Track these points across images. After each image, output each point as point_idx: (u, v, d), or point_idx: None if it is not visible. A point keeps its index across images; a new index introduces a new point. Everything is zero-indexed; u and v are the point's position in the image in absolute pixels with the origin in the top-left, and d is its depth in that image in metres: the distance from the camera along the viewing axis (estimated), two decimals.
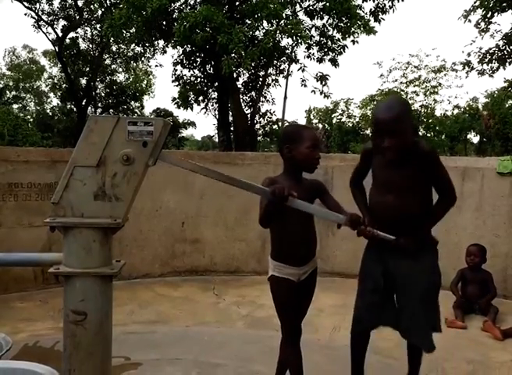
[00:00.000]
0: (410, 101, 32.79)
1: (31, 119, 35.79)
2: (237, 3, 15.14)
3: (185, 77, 17.70)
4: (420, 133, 33.58)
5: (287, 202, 2.19)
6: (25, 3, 23.46)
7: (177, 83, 17.77)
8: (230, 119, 17.56)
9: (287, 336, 2.90)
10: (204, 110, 18.46)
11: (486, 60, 18.59)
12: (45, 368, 2.41)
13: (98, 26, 24.39)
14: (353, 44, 15.99)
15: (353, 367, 2.92)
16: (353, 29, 15.42)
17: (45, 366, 2.45)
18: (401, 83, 32.41)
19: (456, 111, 34.80)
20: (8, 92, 37.26)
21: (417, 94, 32.42)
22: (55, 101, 37.97)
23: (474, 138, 38.72)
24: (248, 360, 3.63)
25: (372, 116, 2.56)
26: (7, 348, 2.73)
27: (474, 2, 17.54)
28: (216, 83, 17.08)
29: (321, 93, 17.01)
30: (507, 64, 18.28)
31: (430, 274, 2.73)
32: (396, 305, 2.78)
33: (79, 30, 26.49)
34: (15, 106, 36.35)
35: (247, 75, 17.25)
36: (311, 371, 3.50)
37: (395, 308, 2.77)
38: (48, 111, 37.99)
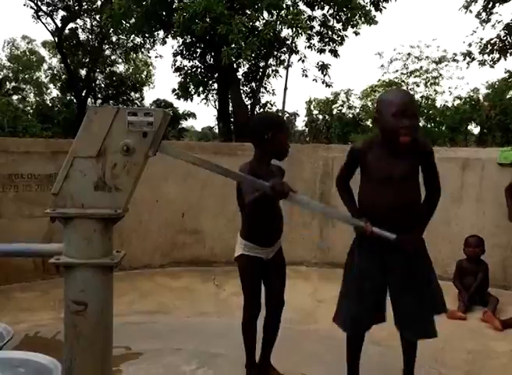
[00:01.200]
0: (411, 92, 32.73)
1: (31, 111, 35.71)
2: None
3: (185, 68, 17.65)
4: (420, 124, 33.51)
5: (287, 198, 2.22)
6: None
7: (177, 74, 17.72)
8: (230, 109, 17.53)
9: (249, 309, 3.17)
10: (205, 101, 18.46)
11: (487, 51, 18.55)
12: (46, 358, 2.42)
13: (98, 16, 24.29)
14: (356, 35, 15.94)
15: (350, 364, 2.92)
16: (353, 20, 15.35)
17: (46, 355, 2.47)
18: (402, 73, 32.33)
19: (456, 102, 34.70)
20: (7, 83, 37.13)
21: (418, 85, 32.36)
22: (55, 93, 37.87)
23: (474, 129, 38.61)
24: None
25: (391, 99, 2.55)
26: (8, 338, 2.75)
27: None
28: (216, 74, 17.03)
29: (322, 82, 16.98)
30: (508, 54, 18.23)
31: (426, 265, 2.77)
32: (392, 299, 2.77)
33: (78, 20, 26.39)
34: (14, 97, 36.25)
35: (247, 66, 17.21)
36: (311, 361, 3.53)
37: (384, 304, 2.76)
38: (48, 102, 37.86)
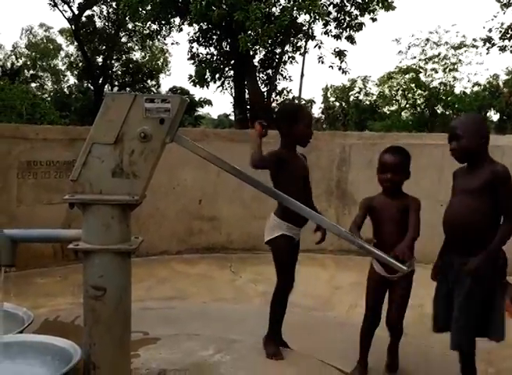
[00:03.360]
0: (429, 79, 32.32)
1: (49, 98, 35.94)
2: None
3: (201, 55, 17.60)
4: (438, 111, 33.17)
5: None
6: None
7: (193, 61, 17.68)
8: (247, 97, 17.48)
9: (284, 287, 3.35)
10: (221, 88, 18.38)
11: (508, 36, 18.23)
12: (66, 342, 2.45)
13: (114, 3, 24.27)
14: (373, 21, 15.76)
15: None
16: (371, 5, 15.18)
17: (66, 339, 2.50)
18: (420, 60, 31.89)
19: (475, 88, 34.22)
20: (26, 71, 37.34)
21: (437, 72, 31.87)
22: (72, 80, 38.06)
23: (494, 116, 38.10)
24: None
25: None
26: (29, 322, 2.79)
27: None
28: (232, 61, 16.96)
29: (339, 69, 16.83)
30: None
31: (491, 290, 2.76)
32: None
33: (95, 7, 26.39)
34: (33, 85, 36.46)
35: (264, 52, 17.08)
36: (328, 348, 3.54)
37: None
38: (65, 89, 38.08)
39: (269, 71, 17.84)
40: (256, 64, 17.19)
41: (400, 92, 34.93)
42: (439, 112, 33.21)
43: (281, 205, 3.24)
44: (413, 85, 33.03)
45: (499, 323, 2.77)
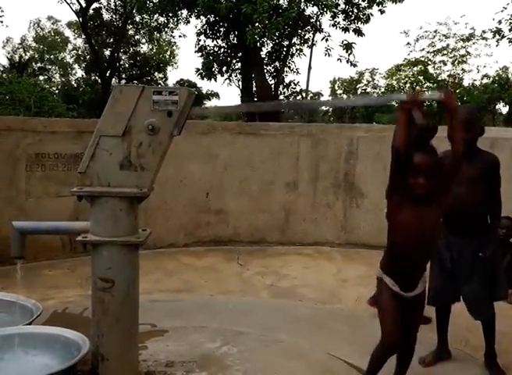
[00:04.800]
0: (438, 71, 32.12)
1: (56, 91, 36.01)
2: None
3: (208, 48, 17.56)
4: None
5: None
6: None
7: (200, 53, 17.65)
8: (254, 89, 17.44)
9: None
10: (228, 81, 18.34)
11: None
12: (75, 333, 2.47)
13: None
14: (381, 13, 15.65)
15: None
16: None
17: (74, 331, 2.52)
18: (428, 52, 31.67)
19: (484, 80, 33.95)
20: (34, 64, 37.42)
21: (445, 64, 31.67)
22: (80, 73, 38.10)
23: (503, 108, 37.76)
24: (272, 329, 3.67)
25: None
26: (37, 313, 2.81)
27: None
28: (240, 54, 16.92)
29: (347, 61, 16.73)
30: None
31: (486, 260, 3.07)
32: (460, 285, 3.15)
33: (102, 0, 26.38)
34: (40, 78, 36.54)
35: (271, 45, 17.02)
36: (336, 340, 3.54)
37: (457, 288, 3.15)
38: (73, 82, 38.13)
39: (277, 64, 17.77)
40: (263, 57, 17.12)
41: (408, 85, 34.73)
42: None
43: None
44: (421, 77, 32.85)
45: (502, 284, 3.19)
